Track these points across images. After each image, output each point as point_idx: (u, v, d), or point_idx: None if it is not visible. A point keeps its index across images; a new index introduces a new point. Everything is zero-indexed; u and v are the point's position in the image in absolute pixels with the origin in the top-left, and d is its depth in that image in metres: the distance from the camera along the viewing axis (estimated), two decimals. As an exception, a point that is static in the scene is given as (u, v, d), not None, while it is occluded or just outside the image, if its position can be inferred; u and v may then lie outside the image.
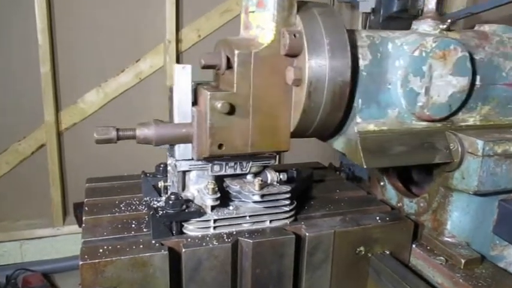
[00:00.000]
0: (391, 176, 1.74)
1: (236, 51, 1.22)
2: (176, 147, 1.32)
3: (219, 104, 1.20)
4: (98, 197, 1.57)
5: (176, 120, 1.30)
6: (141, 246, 1.24)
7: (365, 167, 1.31)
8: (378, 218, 1.48)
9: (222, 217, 1.33)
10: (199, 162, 1.35)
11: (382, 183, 1.76)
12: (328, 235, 1.37)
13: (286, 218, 1.41)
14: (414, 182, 1.74)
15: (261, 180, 1.37)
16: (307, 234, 1.35)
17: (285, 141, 1.33)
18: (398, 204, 1.66)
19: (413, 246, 1.50)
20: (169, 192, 1.46)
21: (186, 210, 1.30)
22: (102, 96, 3.50)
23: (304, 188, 1.67)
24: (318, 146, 3.64)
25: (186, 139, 1.29)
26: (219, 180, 1.41)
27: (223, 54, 1.25)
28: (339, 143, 1.42)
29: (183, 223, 1.31)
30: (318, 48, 1.23)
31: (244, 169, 1.41)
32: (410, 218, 1.55)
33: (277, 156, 1.48)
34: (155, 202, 1.50)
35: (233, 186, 1.40)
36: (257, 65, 1.23)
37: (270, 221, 1.39)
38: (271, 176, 1.44)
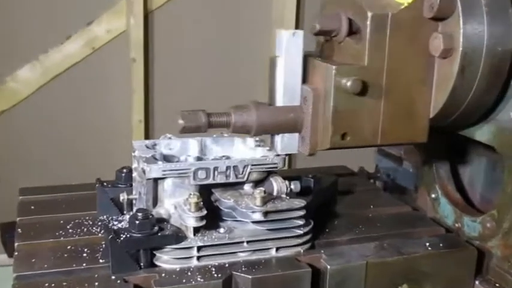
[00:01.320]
0: (446, 185, 1.74)
1: (369, 13, 1.28)
2: (278, 138, 1.38)
3: (348, 82, 1.27)
4: (35, 214, 1.57)
5: (280, 102, 1.36)
6: (97, 283, 1.24)
7: None
8: (427, 243, 1.48)
9: (210, 243, 1.33)
10: (178, 166, 1.35)
11: (433, 195, 1.77)
12: (358, 268, 1.37)
13: (300, 244, 1.41)
14: (479, 193, 1.75)
15: (264, 192, 1.37)
16: (328, 266, 1.35)
17: (422, 129, 1.40)
18: (456, 225, 1.66)
19: (477, 282, 1.51)
20: (134, 209, 1.46)
21: (159, 234, 1.30)
22: (40, 72, 3.49)
23: (325, 203, 1.67)
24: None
25: (293, 127, 1.36)
26: (205, 191, 1.42)
27: (344, 17, 1.32)
28: (483, 133, 1.48)
29: (154, 252, 1.31)
30: (474, 10, 1.30)
31: (240, 176, 1.41)
32: (473, 243, 1.56)
33: (287, 158, 1.48)
34: (115, 222, 1.50)
35: (225, 200, 1.40)
36: (394, 31, 1.31)
37: (277, 249, 1.39)
38: (278, 185, 1.44)
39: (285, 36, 1.32)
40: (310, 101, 1.32)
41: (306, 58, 1.37)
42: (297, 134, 1.38)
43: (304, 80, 1.37)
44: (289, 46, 1.32)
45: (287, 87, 1.34)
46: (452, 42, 1.31)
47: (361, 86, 1.27)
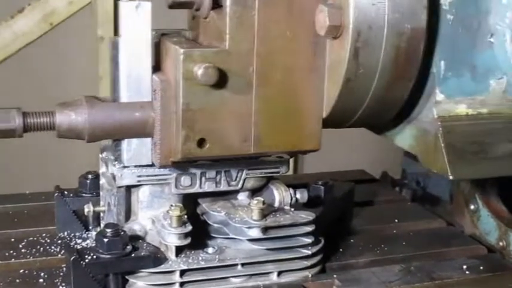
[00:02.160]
0: (489, 194, 1.75)
1: None
2: (124, 144, 1.33)
3: (199, 70, 1.20)
4: (-21, 231, 1.57)
5: (124, 97, 1.31)
6: (56, 316, 1.25)
7: (451, 178, 1.32)
8: (464, 266, 1.49)
9: (195, 266, 1.34)
10: (156, 171, 1.35)
11: (473, 207, 1.77)
12: (378, 297, 1.38)
13: (307, 267, 1.42)
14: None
15: (263, 203, 1.38)
16: (342, 295, 1.37)
17: (312, 133, 1.34)
18: (501, 243, 1.67)
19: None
20: (102, 224, 1.46)
21: (133, 255, 1.30)
22: (-15, 54, 3.50)
23: (339, 216, 1.68)
24: (362, 142, 3.62)
25: (141, 130, 1.30)
26: (189, 202, 1.42)
27: None
28: (404, 138, 1.43)
29: (126, 277, 1.32)
30: None
31: (233, 183, 1.41)
32: (521, 266, 1.57)
33: (292, 161, 1.48)
34: (79, 240, 1.50)
35: (214, 213, 1.41)
36: (266, 2, 1.24)
37: (279, 273, 1.40)
38: (280, 194, 1.45)
39: (125, 10, 1.24)
40: (158, 95, 1.25)
41: (161, 39, 1.30)
42: (149, 140, 1.31)
43: (158, 67, 1.31)
44: (132, 23, 1.25)
45: (132, 77, 1.27)
46: (340, 16, 1.22)
47: (217, 76, 1.19)
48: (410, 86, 1.32)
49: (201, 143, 1.26)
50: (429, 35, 1.29)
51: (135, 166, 1.34)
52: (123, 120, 1.28)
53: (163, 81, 1.26)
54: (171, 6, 1.27)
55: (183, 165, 1.34)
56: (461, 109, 1.37)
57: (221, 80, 1.22)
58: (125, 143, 1.32)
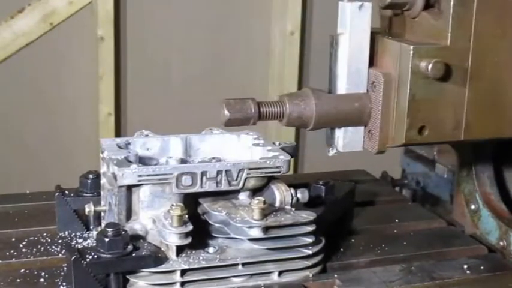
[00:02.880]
0: (490, 193, 1.75)
1: None
2: (340, 132, 1.40)
3: (429, 65, 1.29)
4: (-20, 230, 1.57)
5: (343, 88, 1.38)
6: (56, 316, 1.25)
7: None
8: (465, 266, 1.49)
9: (196, 266, 1.34)
10: (157, 170, 1.36)
11: (473, 207, 1.77)
12: (379, 297, 1.38)
13: (308, 267, 1.42)
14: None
15: (264, 203, 1.38)
16: (343, 295, 1.37)
17: None
18: (501, 243, 1.67)
19: (527, 315, 1.52)
20: (103, 223, 1.46)
21: (134, 255, 1.30)
22: (-15, 54, 3.50)
23: (339, 216, 1.68)
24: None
25: (358, 119, 1.40)
26: (190, 202, 1.42)
27: None
28: None
29: (127, 276, 1.32)
30: None
31: (234, 182, 1.41)
32: (522, 266, 1.57)
33: (292, 161, 1.48)
34: (79, 240, 1.50)
35: (215, 212, 1.41)
36: (483, 5, 1.33)
37: (280, 273, 1.40)
38: (281, 194, 1.45)
39: (349, 10, 1.34)
40: (380, 87, 1.35)
41: (373, 36, 1.39)
42: (362, 128, 1.42)
43: (371, 62, 1.40)
44: (355, 21, 1.34)
45: (351, 70, 1.37)
46: None
47: (444, 70, 1.30)
48: None
49: (421, 130, 1.35)
50: None
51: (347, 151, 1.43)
52: (345, 110, 1.38)
53: (385, 75, 1.35)
54: (386, 7, 1.37)
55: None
56: None
57: (445, 74, 1.32)
58: (341, 131, 1.41)
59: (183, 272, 1.32)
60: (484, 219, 1.74)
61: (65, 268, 1.37)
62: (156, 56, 3.64)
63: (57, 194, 1.56)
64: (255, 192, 1.46)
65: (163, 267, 1.32)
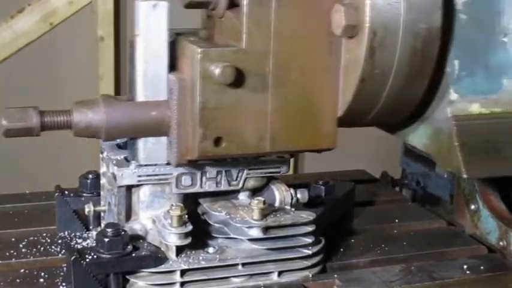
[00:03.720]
0: (490, 194, 1.75)
1: None
2: (140, 143, 1.34)
3: (217, 69, 1.21)
4: (-21, 231, 1.57)
5: (141, 96, 1.31)
6: (56, 316, 1.25)
7: (465, 176, 1.33)
8: (465, 266, 1.49)
9: (196, 266, 1.34)
10: (157, 170, 1.36)
11: (473, 207, 1.77)
12: (379, 297, 1.38)
13: (308, 267, 1.42)
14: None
15: (264, 203, 1.38)
16: (343, 295, 1.37)
17: (328, 132, 1.35)
18: (501, 243, 1.67)
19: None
20: (103, 223, 1.46)
21: (133, 255, 1.30)
22: (-15, 54, 3.50)
23: (339, 216, 1.68)
24: (362, 142, 3.62)
25: (158, 129, 1.31)
26: (190, 202, 1.42)
27: None
28: (418, 137, 1.44)
29: (127, 277, 1.32)
30: None
31: (234, 182, 1.41)
32: (522, 266, 1.57)
33: (292, 161, 1.48)
34: (79, 240, 1.50)
35: (215, 212, 1.41)
36: (283, 3, 1.25)
37: (280, 273, 1.40)
38: (281, 194, 1.45)
39: (143, 9, 1.26)
40: (175, 94, 1.27)
41: (177, 38, 1.32)
42: (164, 139, 1.33)
43: (173, 67, 1.32)
44: (150, 22, 1.26)
45: (149, 76, 1.28)
46: (357, 16, 1.24)
47: (235, 75, 1.21)
48: (424, 85, 1.33)
49: (217, 141, 1.28)
50: (443, 35, 1.30)
51: (147, 165, 1.35)
52: (140, 119, 1.30)
53: (180, 80, 1.28)
54: (187, 6, 1.29)
55: (197, 165, 1.35)
56: (475, 108, 1.38)
57: (238, 79, 1.24)
58: (141, 142, 1.33)
59: (183, 272, 1.32)
60: (484, 219, 1.74)
61: (65, 268, 1.37)
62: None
63: (57, 194, 1.56)
64: (255, 192, 1.46)
65: (163, 268, 1.32)
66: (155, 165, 1.35)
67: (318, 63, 1.30)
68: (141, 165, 1.34)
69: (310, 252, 1.41)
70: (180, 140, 1.29)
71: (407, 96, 1.33)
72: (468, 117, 1.36)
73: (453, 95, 1.36)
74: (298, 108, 1.31)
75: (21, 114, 1.24)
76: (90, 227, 1.52)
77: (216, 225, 1.40)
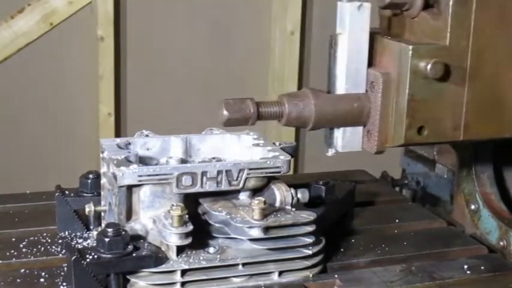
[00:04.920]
0: (490, 193, 1.75)
1: None
2: (339, 132, 1.41)
3: (428, 65, 1.30)
4: (-20, 231, 1.58)
5: (342, 88, 1.39)
6: (57, 316, 1.25)
7: None
8: (465, 266, 1.49)
9: (196, 266, 1.34)
10: (157, 170, 1.36)
11: (473, 207, 1.77)
12: (380, 297, 1.39)
13: (308, 267, 1.42)
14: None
15: (264, 203, 1.38)
16: (343, 295, 1.37)
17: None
18: (501, 243, 1.67)
19: (527, 315, 1.52)
20: (103, 223, 1.46)
21: (134, 255, 1.31)
22: (-15, 54, 3.50)
23: (340, 216, 1.68)
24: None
25: (357, 119, 1.40)
26: (190, 202, 1.42)
27: None
28: None
29: (128, 276, 1.32)
30: None
31: (234, 182, 1.41)
32: (523, 266, 1.57)
33: (292, 161, 1.48)
34: (80, 240, 1.50)
35: (216, 212, 1.41)
36: (482, 3, 1.33)
37: (280, 273, 1.40)
38: (281, 194, 1.45)
39: (348, 10, 1.34)
40: (379, 87, 1.36)
41: (372, 36, 1.40)
42: (360, 128, 1.42)
43: (371, 62, 1.40)
44: (354, 21, 1.35)
45: (350, 70, 1.37)
46: None
47: (443, 70, 1.31)
48: None
49: (420, 130, 1.36)
50: None
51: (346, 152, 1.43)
52: (344, 110, 1.38)
53: (384, 74, 1.36)
54: (386, 7, 1.38)
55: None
56: None
57: (444, 74, 1.32)
58: (340, 131, 1.42)
59: (183, 272, 1.32)
60: (484, 219, 1.74)
61: (65, 268, 1.37)
62: (156, 56, 3.64)
63: (57, 194, 1.56)
64: (255, 192, 1.46)
65: (163, 268, 1.32)
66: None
67: (508, 60, 1.39)
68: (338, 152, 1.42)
69: (310, 252, 1.41)
70: (382, 129, 1.38)
71: None
72: None
73: None
74: (489, 100, 1.39)
75: (240, 105, 1.34)
76: (91, 227, 1.52)
77: (217, 225, 1.40)
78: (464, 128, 1.39)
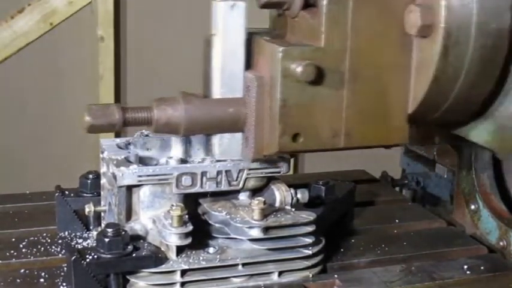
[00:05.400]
0: (489, 194, 1.75)
1: None
2: (216, 139, 1.36)
3: (299, 68, 1.24)
4: (-21, 231, 1.58)
5: (218, 93, 1.34)
6: (56, 316, 1.25)
7: None
8: (465, 266, 1.49)
9: (196, 266, 1.34)
10: (157, 170, 1.36)
11: (473, 207, 1.77)
12: (379, 297, 1.39)
13: (308, 267, 1.42)
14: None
15: (264, 203, 1.38)
16: (343, 295, 1.37)
17: (399, 128, 1.37)
18: (501, 243, 1.67)
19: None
20: (103, 223, 1.46)
21: (134, 255, 1.31)
22: (-16, 54, 3.50)
23: (340, 216, 1.68)
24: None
25: (234, 125, 1.34)
26: (190, 202, 1.42)
27: None
28: (480, 133, 1.45)
29: (127, 277, 1.32)
30: None
31: (234, 183, 1.42)
32: (523, 266, 1.57)
33: (292, 161, 1.48)
34: (79, 240, 1.50)
35: (215, 212, 1.41)
36: (359, 2, 1.28)
37: (280, 273, 1.40)
38: (281, 194, 1.45)
39: (221, 9, 1.29)
40: (253, 91, 1.29)
41: (252, 37, 1.34)
42: (239, 135, 1.35)
43: (249, 65, 1.34)
44: (228, 21, 1.29)
45: (225, 74, 1.31)
46: (432, 16, 1.26)
47: (316, 73, 1.23)
48: (492, 84, 1.36)
49: (295, 137, 1.30)
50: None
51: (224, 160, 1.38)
52: (218, 115, 1.33)
53: (258, 78, 1.30)
54: (264, 6, 1.31)
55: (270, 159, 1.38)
56: None
57: (317, 77, 1.26)
58: (217, 138, 1.37)
59: (183, 272, 1.33)
60: (484, 219, 1.74)
61: (65, 268, 1.37)
62: (156, 56, 3.63)
63: (57, 194, 1.56)
64: (255, 192, 1.46)
65: (163, 268, 1.32)
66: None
67: (391, 61, 1.33)
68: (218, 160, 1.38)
69: (310, 252, 1.41)
70: (257, 135, 1.32)
71: (474, 95, 1.36)
72: None
73: None
74: (371, 104, 1.34)
75: (104, 111, 1.28)
76: (91, 227, 1.52)
77: (217, 225, 1.40)
78: (345, 135, 1.32)
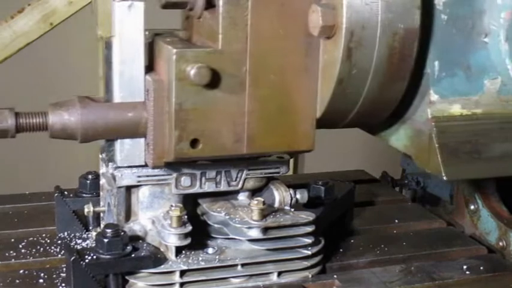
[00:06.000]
0: (488, 194, 1.75)
1: None
2: (117, 145, 1.33)
3: (192, 70, 1.20)
4: (-21, 231, 1.57)
5: (117, 97, 1.30)
6: (56, 316, 1.25)
7: (445, 178, 1.32)
8: (465, 266, 1.49)
9: (195, 267, 1.34)
10: (156, 171, 1.36)
11: (473, 207, 1.77)
12: (379, 297, 1.38)
13: (307, 268, 1.42)
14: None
15: (263, 203, 1.38)
16: (342, 295, 1.37)
17: (306, 133, 1.33)
18: (501, 243, 1.67)
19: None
20: (102, 224, 1.46)
21: (133, 255, 1.31)
22: (-15, 54, 3.50)
23: (339, 216, 1.68)
24: (362, 143, 3.63)
25: (134, 130, 1.30)
26: (189, 203, 1.42)
27: None
28: (398, 138, 1.43)
29: (126, 277, 1.32)
30: None
31: (233, 183, 1.42)
32: (522, 266, 1.57)
33: (292, 161, 1.48)
34: (79, 241, 1.51)
35: (215, 213, 1.41)
36: (259, 2, 1.24)
37: (279, 274, 1.40)
38: (280, 195, 1.45)
39: (118, 10, 1.26)
40: (151, 95, 1.25)
41: (154, 39, 1.31)
42: (142, 140, 1.31)
43: (151, 68, 1.31)
44: (125, 22, 1.26)
45: (125, 77, 1.27)
46: (333, 16, 1.23)
47: (210, 76, 1.20)
48: (404, 86, 1.32)
49: (194, 143, 1.26)
50: (423, 35, 1.29)
51: (129, 166, 1.33)
52: (116, 120, 1.28)
53: (156, 81, 1.26)
54: (165, 7, 1.27)
55: (176, 166, 1.34)
56: (456, 109, 1.36)
57: (214, 80, 1.23)
58: (118, 144, 1.32)
59: (182, 273, 1.33)
60: (484, 219, 1.74)
61: (64, 269, 1.37)
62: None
63: (56, 194, 1.56)
64: (254, 192, 1.46)
65: (162, 268, 1.32)
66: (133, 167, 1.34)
67: (295, 64, 1.29)
68: (118, 167, 1.34)
69: (309, 252, 1.41)
70: (157, 141, 1.28)
71: (386, 97, 1.33)
72: (448, 118, 1.35)
73: (433, 96, 1.34)
74: (275, 109, 1.30)
75: None
76: (90, 228, 1.52)
77: (216, 225, 1.40)
78: (248, 140, 1.28)
